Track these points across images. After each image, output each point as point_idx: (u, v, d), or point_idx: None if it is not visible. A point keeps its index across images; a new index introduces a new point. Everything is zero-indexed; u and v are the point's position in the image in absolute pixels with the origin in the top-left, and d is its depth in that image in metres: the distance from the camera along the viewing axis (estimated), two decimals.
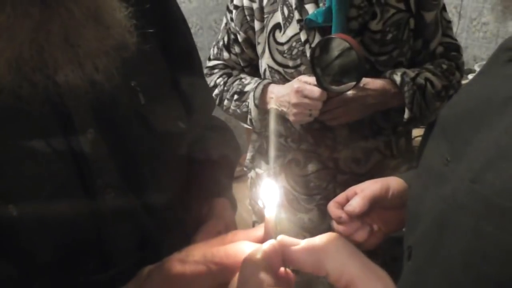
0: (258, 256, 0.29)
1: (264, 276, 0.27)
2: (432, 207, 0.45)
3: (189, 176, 0.61)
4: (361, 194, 0.61)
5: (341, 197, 0.63)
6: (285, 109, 0.86)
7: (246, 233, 0.37)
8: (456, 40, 0.94)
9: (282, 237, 0.31)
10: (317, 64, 0.80)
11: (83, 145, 0.44)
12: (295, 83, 0.83)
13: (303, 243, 0.30)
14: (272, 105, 0.89)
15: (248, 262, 0.29)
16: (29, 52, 0.38)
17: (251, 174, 1.09)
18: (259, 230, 0.37)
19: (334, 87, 0.81)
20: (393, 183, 0.63)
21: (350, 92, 0.81)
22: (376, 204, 0.61)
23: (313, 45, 0.82)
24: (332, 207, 0.62)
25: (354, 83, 0.78)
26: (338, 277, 0.27)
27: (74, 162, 0.44)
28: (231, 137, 0.72)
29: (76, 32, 0.40)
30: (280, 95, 0.86)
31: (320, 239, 0.29)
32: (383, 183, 0.62)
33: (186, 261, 0.36)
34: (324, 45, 0.78)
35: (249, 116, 0.93)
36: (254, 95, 0.90)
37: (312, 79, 0.82)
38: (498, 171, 0.35)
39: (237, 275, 0.30)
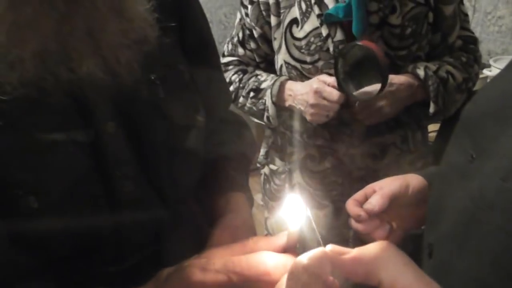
0: (308, 261, 0.29)
1: (312, 283, 0.27)
2: (456, 205, 0.45)
3: (205, 170, 0.61)
4: (380, 192, 0.60)
5: (359, 195, 0.63)
6: (302, 108, 0.86)
7: (267, 242, 0.37)
8: (473, 33, 0.94)
9: (332, 246, 0.31)
10: (340, 70, 0.79)
11: (103, 138, 0.44)
12: (315, 84, 0.83)
13: (354, 252, 0.29)
14: (290, 103, 0.89)
15: (298, 266, 0.29)
16: (54, 45, 0.38)
17: (265, 170, 1.09)
18: (280, 239, 0.37)
19: (356, 94, 0.80)
20: (412, 180, 0.62)
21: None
22: (395, 202, 0.60)
23: (335, 39, 0.82)
24: (351, 205, 0.62)
25: (376, 90, 0.78)
26: (390, 287, 0.27)
27: (94, 154, 0.44)
28: (247, 131, 0.72)
29: (100, 25, 0.40)
30: (299, 94, 0.86)
31: (372, 248, 0.29)
32: (402, 181, 0.62)
33: (207, 268, 0.36)
34: (348, 51, 0.78)
35: (266, 114, 0.92)
36: (271, 92, 0.90)
37: (331, 79, 0.82)
38: None
39: (284, 277, 0.30)
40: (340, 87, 0.80)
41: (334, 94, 0.80)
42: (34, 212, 0.40)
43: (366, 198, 0.62)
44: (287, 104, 0.89)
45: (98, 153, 0.44)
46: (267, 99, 0.90)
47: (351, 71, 0.80)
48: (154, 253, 0.51)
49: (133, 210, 0.48)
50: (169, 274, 0.39)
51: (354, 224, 0.62)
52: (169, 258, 0.44)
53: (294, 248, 0.37)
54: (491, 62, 1.92)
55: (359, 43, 0.77)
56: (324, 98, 0.81)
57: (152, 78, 0.48)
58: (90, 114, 0.44)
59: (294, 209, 0.36)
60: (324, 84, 0.81)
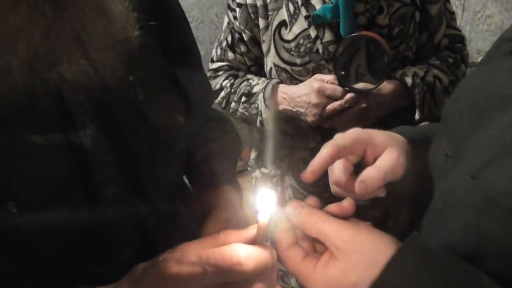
0: None
1: None
2: (432, 204, 0.44)
3: (192, 167, 0.61)
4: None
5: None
6: (302, 110, 0.85)
7: (238, 234, 0.40)
8: (460, 31, 0.94)
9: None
10: (339, 63, 0.79)
11: (84, 141, 0.44)
12: (315, 83, 0.82)
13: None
14: (285, 106, 0.88)
15: None
16: (42, 50, 0.37)
17: (256, 173, 1.09)
18: (250, 231, 0.39)
19: (357, 87, 0.80)
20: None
21: (365, 102, 0.80)
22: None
23: (324, 41, 0.82)
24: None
25: (380, 81, 0.78)
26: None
27: (75, 158, 0.44)
28: (231, 127, 0.72)
29: (85, 28, 0.40)
30: (296, 96, 0.85)
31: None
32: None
33: (182, 261, 0.37)
34: (349, 43, 0.77)
35: (259, 118, 0.91)
36: (264, 96, 0.89)
37: (329, 77, 0.81)
38: (502, 168, 0.34)
39: None
40: (340, 82, 0.80)
41: (338, 90, 0.80)
42: (13, 216, 0.40)
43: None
44: (281, 107, 0.88)
45: (79, 156, 0.44)
46: (260, 103, 0.89)
47: (349, 63, 0.80)
48: (139, 253, 0.51)
49: (117, 212, 0.47)
50: (145, 269, 0.40)
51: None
52: (154, 257, 0.44)
53: (263, 240, 0.39)
54: (480, 60, 1.94)
55: (362, 33, 0.76)
56: (328, 97, 0.81)
57: (131, 79, 0.48)
58: (70, 117, 0.43)
59: (265, 202, 0.37)
60: (324, 83, 0.81)
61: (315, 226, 0.38)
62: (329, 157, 0.45)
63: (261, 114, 0.90)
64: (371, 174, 0.44)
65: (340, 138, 0.46)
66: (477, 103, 0.42)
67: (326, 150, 0.45)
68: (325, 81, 0.81)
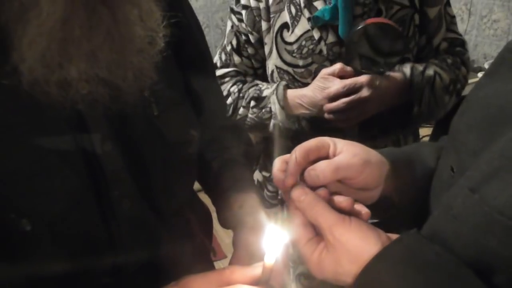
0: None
1: None
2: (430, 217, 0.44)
3: (211, 175, 0.62)
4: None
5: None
6: (313, 108, 0.85)
7: (243, 272, 0.40)
8: (460, 35, 0.93)
9: None
10: (354, 51, 0.79)
11: (101, 158, 0.44)
12: (319, 82, 0.82)
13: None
14: (302, 110, 0.87)
15: None
16: (63, 69, 0.37)
17: (257, 177, 1.08)
18: (256, 270, 0.39)
19: (377, 69, 0.80)
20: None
21: (366, 93, 0.81)
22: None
23: (327, 42, 0.82)
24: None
25: (397, 57, 0.78)
26: None
27: (91, 175, 0.43)
28: (244, 132, 0.73)
29: (123, 41, 0.39)
30: (309, 96, 0.84)
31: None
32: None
33: None
34: (363, 33, 0.77)
35: (272, 121, 0.89)
36: (277, 97, 0.87)
37: (334, 67, 0.81)
38: (503, 184, 0.32)
39: None
40: (356, 69, 0.79)
41: (337, 81, 0.80)
42: (27, 234, 0.40)
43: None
44: (297, 112, 0.87)
45: (96, 173, 0.44)
46: (274, 105, 0.88)
47: (366, 53, 0.79)
48: (149, 263, 0.51)
49: (130, 226, 0.47)
50: None
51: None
52: (164, 266, 0.45)
53: (267, 281, 0.39)
54: (486, 65, 1.93)
55: (369, 22, 0.76)
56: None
57: (146, 95, 0.47)
58: (88, 134, 0.43)
59: (272, 243, 0.38)
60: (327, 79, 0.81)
61: (313, 217, 0.40)
62: (301, 159, 0.45)
63: (275, 117, 0.88)
64: (322, 164, 0.45)
65: (306, 142, 0.48)
66: (486, 117, 0.40)
67: (296, 153, 0.46)
68: (331, 72, 0.81)
